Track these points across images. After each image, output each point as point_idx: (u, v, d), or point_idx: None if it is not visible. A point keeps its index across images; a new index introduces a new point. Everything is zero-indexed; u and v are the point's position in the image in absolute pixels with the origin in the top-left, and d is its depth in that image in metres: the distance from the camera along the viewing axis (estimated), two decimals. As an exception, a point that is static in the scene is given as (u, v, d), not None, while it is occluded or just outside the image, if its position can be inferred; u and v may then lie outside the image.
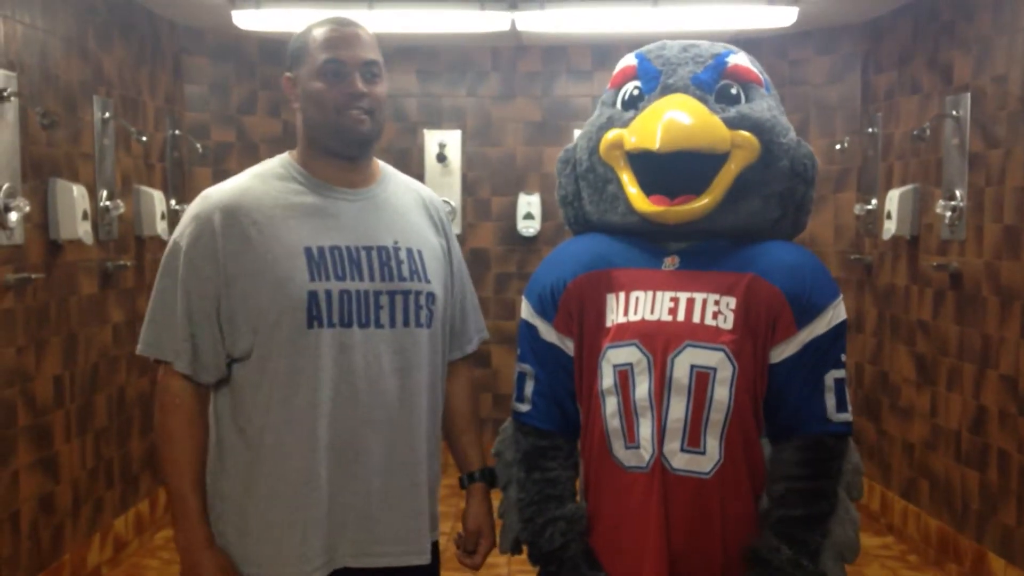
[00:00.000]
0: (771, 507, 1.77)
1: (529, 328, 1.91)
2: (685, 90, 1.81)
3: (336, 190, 1.81)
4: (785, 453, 1.78)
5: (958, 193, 3.90)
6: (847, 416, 1.79)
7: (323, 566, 1.76)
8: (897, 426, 4.53)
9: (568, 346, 1.86)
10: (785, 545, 1.73)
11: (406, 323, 1.80)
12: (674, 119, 1.73)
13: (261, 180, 1.80)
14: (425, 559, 1.85)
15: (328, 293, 1.72)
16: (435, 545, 1.92)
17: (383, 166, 1.94)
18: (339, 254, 1.75)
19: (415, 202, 1.92)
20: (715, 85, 1.83)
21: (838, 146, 4.73)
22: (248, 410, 1.75)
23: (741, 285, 1.75)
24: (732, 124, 1.78)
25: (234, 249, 1.72)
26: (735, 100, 1.84)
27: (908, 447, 4.42)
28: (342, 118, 1.76)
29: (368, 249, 1.78)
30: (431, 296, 1.83)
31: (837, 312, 1.79)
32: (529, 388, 1.90)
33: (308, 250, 1.73)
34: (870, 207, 4.74)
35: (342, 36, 1.78)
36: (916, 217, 4.29)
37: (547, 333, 1.88)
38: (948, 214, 3.93)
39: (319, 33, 1.79)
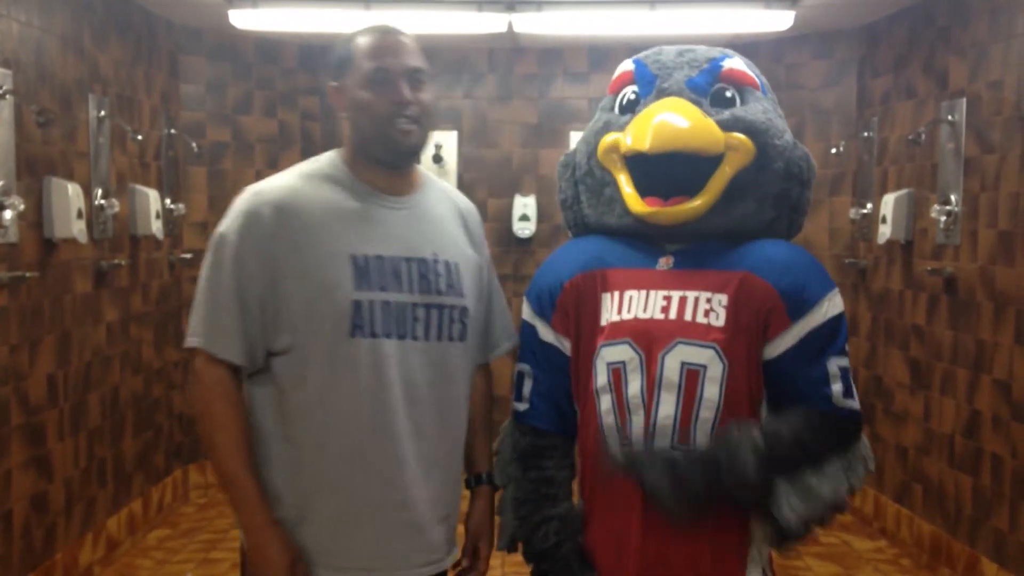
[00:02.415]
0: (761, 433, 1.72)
1: (528, 328, 1.93)
2: (680, 94, 1.82)
3: (381, 197, 1.83)
4: (788, 416, 1.74)
5: (953, 198, 3.91)
6: (854, 403, 1.77)
7: (374, 569, 1.80)
8: (890, 430, 4.54)
9: (565, 346, 1.88)
10: (760, 437, 1.67)
11: (439, 337, 1.83)
12: (665, 121, 1.75)
13: (309, 181, 1.81)
14: (444, 567, 1.90)
15: (371, 303, 1.75)
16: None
17: (423, 173, 1.96)
18: (382, 264, 1.77)
19: (452, 212, 1.94)
20: (710, 89, 1.84)
21: (833, 150, 4.74)
22: (290, 407, 1.78)
23: (734, 282, 1.76)
24: (726, 126, 1.79)
25: (283, 249, 1.74)
26: (730, 103, 1.84)
27: (901, 451, 4.43)
28: (390, 129, 1.77)
29: (408, 260, 1.80)
30: (465, 310, 1.87)
31: (833, 304, 1.78)
32: (527, 388, 1.92)
33: (354, 258, 1.75)
34: (865, 211, 4.75)
35: (388, 44, 1.79)
36: (911, 222, 4.30)
37: (545, 333, 1.89)
38: (943, 219, 3.93)
39: (364, 42, 1.80)
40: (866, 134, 4.75)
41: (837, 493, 1.73)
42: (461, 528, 1.97)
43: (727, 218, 1.81)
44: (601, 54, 5.36)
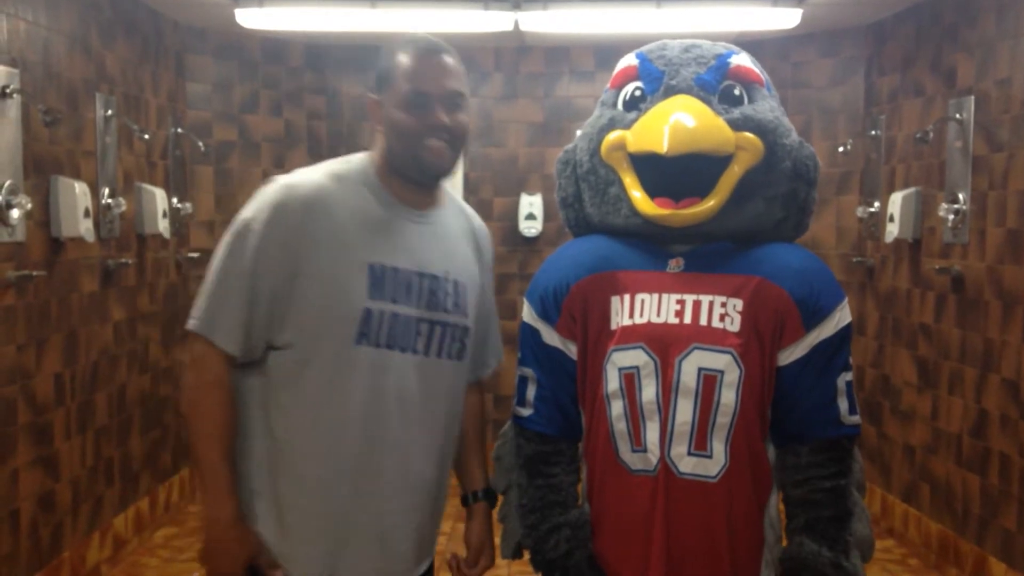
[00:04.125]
0: (796, 511, 1.79)
1: (531, 331, 1.89)
2: (688, 91, 1.79)
3: (405, 209, 1.83)
4: (802, 457, 1.78)
5: (961, 196, 3.90)
6: (857, 418, 1.81)
7: (320, 574, 1.79)
8: (898, 429, 4.53)
9: (571, 350, 1.84)
10: (825, 547, 1.75)
11: (439, 354, 1.84)
12: (680, 121, 1.72)
13: (340, 184, 1.81)
14: None
15: (381, 313, 1.76)
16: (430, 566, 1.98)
17: (445, 189, 1.96)
18: (396, 276, 1.78)
19: (465, 231, 1.95)
20: (718, 86, 1.81)
21: (841, 148, 4.72)
22: (280, 405, 1.77)
23: (748, 288, 1.75)
24: (736, 126, 1.77)
25: (306, 247, 1.73)
26: (738, 101, 1.82)
27: (909, 450, 4.42)
28: (422, 149, 1.78)
29: (421, 275, 1.81)
30: (466, 330, 1.88)
31: (843, 315, 1.80)
32: (531, 392, 1.88)
33: (371, 267, 1.76)
34: (872, 210, 4.73)
35: (428, 66, 1.78)
36: (918, 220, 4.28)
37: (549, 337, 1.86)
38: (951, 217, 3.92)
39: (405, 61, 1.78)
40: (873, 132, 4.74)
41: (869, 525, 1.82)
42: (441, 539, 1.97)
43: (737, 219, 1.79)
44: (607, 53, 5.35)
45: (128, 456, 4.25)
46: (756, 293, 1.75)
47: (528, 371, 1.90)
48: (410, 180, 1.83)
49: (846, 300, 1.82)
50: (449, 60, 1.80)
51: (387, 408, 1.77)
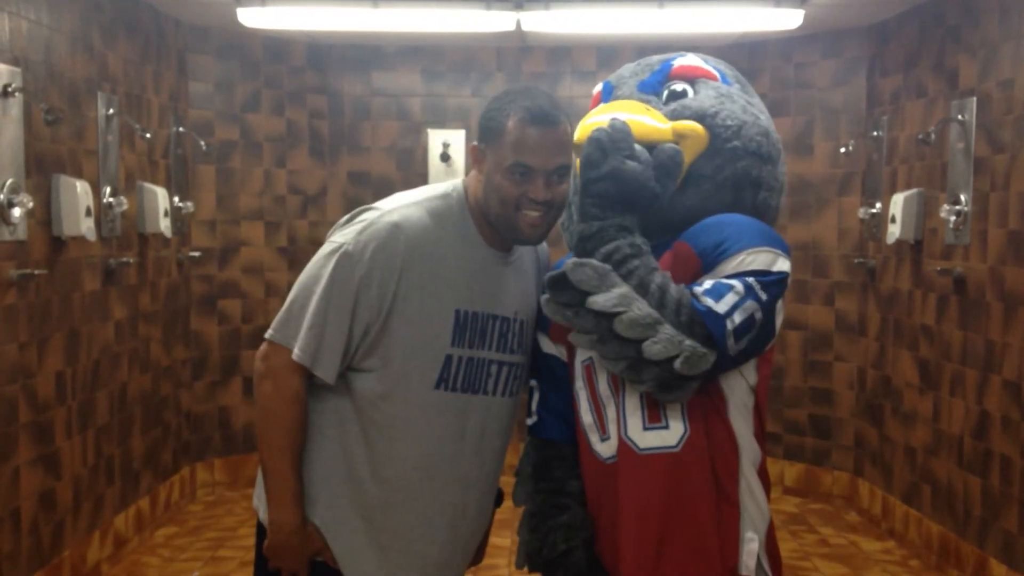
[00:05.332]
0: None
1: (534, 342, 1.97)
2: (631, 96, 1.88)
3: (493, 253, 1.90)
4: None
5: (963, 197, 3.90)
6: (716, 305, 1.64)
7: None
8: (899, 431, 4.52)
9: (564, 354, 1.91)
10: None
11: (503, 393, 1.92)
12: (593, 120, 1.79)
13: (438, 223, 1.84)
14: None
15: (460, 360, 1.84)
16: None
17: None
18: (477, 322, 1.85)
19: (533, 264, 2.01)
20: (661, 87, 1.89)
21: (843, 149, 4.71)
22: (352, 425, 1.85)
23: (668, 258, 1.77)
24: (674, 116, 1.83)
25: (403, 290, 1.79)
26: (681, 96, 1.88)
27: (910, 452, 4.41)
28: (518, 218, 1.81)
29: (495, 318, 1.88)
30: (523, 367, 1.96)
31: (755, 259, 1.69)
32: (535, 402, 1.95)
33: (457, 313, 1.83)
34: (874, 211, 4.73)
35: (537, 141, 1.77)
36: (920, 221, 4.28)
37: (546, 345, 1.94)
38: (952, 218, 3.92)
39: (515, 128, 1.77)
40: (875, 133, 4.74)
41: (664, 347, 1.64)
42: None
43: (687, 206, 1.81)
44: (609, 53, 5.34)
45: (129, 455, 4.26)
46: (674, 260, 1.75)
47: (533, 382, 1.97)
48: (501, 235, 1.88)
49: (767, 250, 1.70)
50: (560, 132, 1.79)
51: (451, 445, 1.87)
